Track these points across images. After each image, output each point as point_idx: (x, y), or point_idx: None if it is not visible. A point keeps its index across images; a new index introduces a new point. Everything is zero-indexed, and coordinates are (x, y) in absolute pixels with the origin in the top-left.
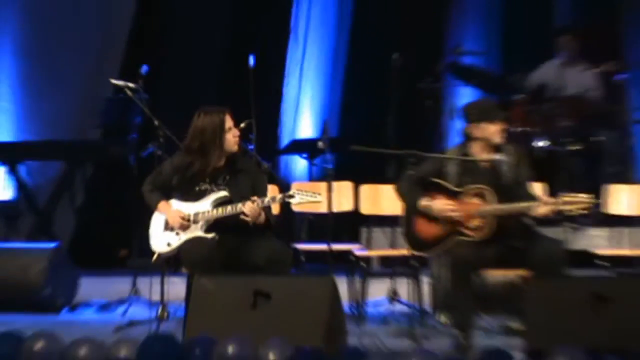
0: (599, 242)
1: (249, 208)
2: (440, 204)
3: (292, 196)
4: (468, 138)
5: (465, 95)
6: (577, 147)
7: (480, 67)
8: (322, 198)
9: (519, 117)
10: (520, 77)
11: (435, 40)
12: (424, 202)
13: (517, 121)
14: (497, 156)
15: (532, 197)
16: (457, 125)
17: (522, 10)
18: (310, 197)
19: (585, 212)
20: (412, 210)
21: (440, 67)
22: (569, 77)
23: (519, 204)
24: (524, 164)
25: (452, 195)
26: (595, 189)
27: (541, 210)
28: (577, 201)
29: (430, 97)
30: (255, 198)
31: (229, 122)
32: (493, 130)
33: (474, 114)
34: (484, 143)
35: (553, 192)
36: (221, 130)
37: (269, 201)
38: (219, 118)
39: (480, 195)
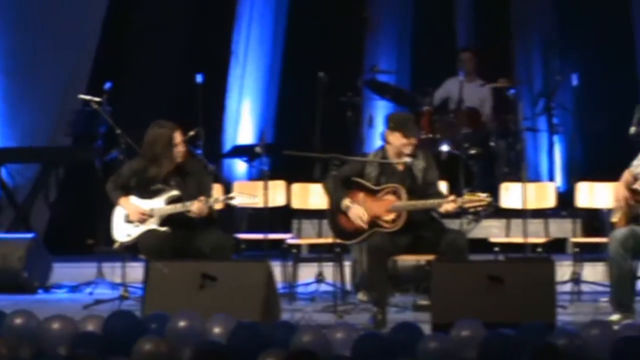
0: (494, 231)
1: (196, 207)
2: (355, 213)
3: (233, 198)
4: (386, 142)
5: (380, 107)
6: (476, 152)
7: (393, 83)
8: (259, 199)
9: (426, 126)
10: (427, 93)
11: (355, 59)
12: (346, 203)
13: (425, 129)
14: (409, 159)
15: (439, 195)
16: (374, 133)
17: (429, 33)
18: (248, 199)
19: (484, 209)
20: (336, 206)
21: (359, 83)
22: (468, 91)
23: (428, 201)
24: (432, 166)
25: (370, 192)
26: (491, 187)
27: (447, 206)
28: (477, 199)
29: (350, 109)
30: (202, 198)
31: (177, 137)
32: (404, 142)
33: (393, 122)
34: (396, 149)
35: (456, 190)
36: (170, 144)
37: (213, 201)
38: (169, 134)
39: (395, 193)
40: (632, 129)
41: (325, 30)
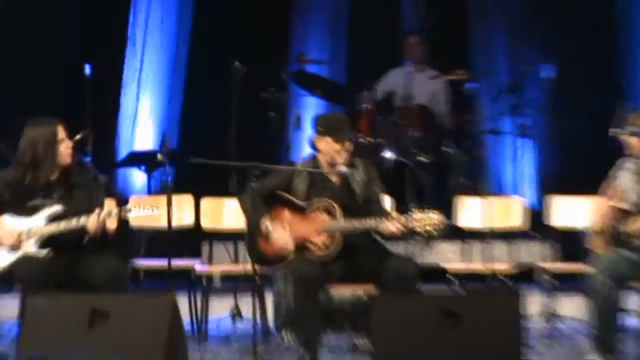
0: (449, 257)
1: (92, 223)
2: (279, 235)
3: (129, 210)
4: (316, 150)
5: (310, 105)
6: (426, 158)
7: (325, 76)
8: (161, 212)
9: (366, 128)
10: (366, 87)
11: (278, 48)
12: (267, 223)
13: (365, 132)
14: (346, 170)
15: (382, 213)
16: (303, 136)
17: (368, 17)
18: (148, 211)
19: (436, 230)
20: (255, 227)
21: (284, 75)
22: (417, 84)
23: (368, 221)
24: (373, 177)
25: (298, 210)
26: (446, 202)
27: (391, 227)
28: (428, 218)
29: (274, 108)
30: (97, 211)
31: (61, 133)
32: (336, 149)
33: (321, 125)
34: (328, 157)
35: (403, 207)
36: (53, 141)
37: (106, 215)
38: (51, 129)
39: (328, 210)
40: (613, 131)
41: (242, 11)
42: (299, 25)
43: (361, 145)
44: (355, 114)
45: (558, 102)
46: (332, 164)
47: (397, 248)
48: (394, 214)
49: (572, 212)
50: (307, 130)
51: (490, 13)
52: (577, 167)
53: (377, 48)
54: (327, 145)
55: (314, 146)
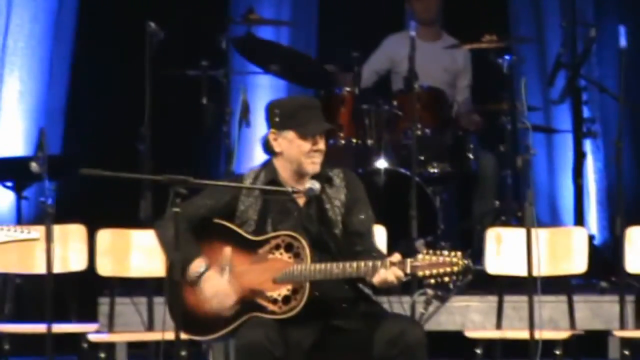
0: (474, 319)
1: None
2: (213, 285)
3: None
4: (272, 155)
5: (263, 87)
6: (440, 169)
7: (285, 44)
8: (38, 234)
9: (347, 123)
10: (348, 61)
11: (214, 3)
12: (197, 267)
13: (346, 129)
14: (317, 186)
15: (373, 253)
16: (252, 135)
17: None
18: (20, 234)
19: (455, 278)
20: (180, 272)
21: (223, 42)
22: (426, 57)
23: (351, 265)
24: (359, 198)
25: (247, 247)
26: (469, 235)
27: (386, 275)
28: (442, 261)
29: (208, 92)
30: None
31: None
32: (304, 149)
33: (279, 114)
34: (291, 164)
35: (404, 243)
36: None
37: None
38: None
39: (290, 248)
40: None
41: None
42: None
43: (340, 148)
44: (330, 101)
45: (638, 83)
46: (299, 175)
47: (396, 306)
48: (394, 257)
49: None
50: (260, 125)
51: None
52: None
53: (365, 2)
54: (289, 144)
55: (268, 148)
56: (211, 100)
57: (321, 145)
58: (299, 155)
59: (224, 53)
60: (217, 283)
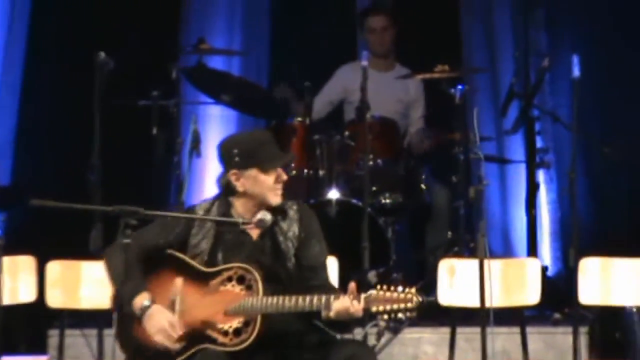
0: (427, 350)
1: None
2: (158, 319)
3: None
4: (229, 190)
5: (214, 118)
6: (393, 200)
7: (237, 74)
8: None
9: (300, 154)
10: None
11: (166, 29)
12: (143, 301)
13: (298, 160)
14: (267, 217)
15: (324, 286)
16: (205, 165)
17: None
18: None
19: (409, 312)
20: (128, 306)
21: (173, 72)
22: (379, 87)
23: (304, 298)
24: (312, 230)
25: (198, 279)
26: (421, 267)
27: (339, 307)
28: (395, 296)
29: (158, 122)
30: None
31: None
32: (269, 184)
33: (237, 154)
34: (252, 201)
35: (355, 272)
36: None
37: None
38: None
39: (242, 279)
40: None
41: None
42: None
43: (292, 179)
44: (282, 131)
45: (594, 112)
46: (258, 208)
47: (348, 337)
48: (350, 287)
49: (614, 282)
50: (211, 156)
51: None
52: (622, 215)
53: (317, 33)
54: (253, 182)
55: (229, 189)
56: (162, 130)
57: (284, 176)
58: (265, 190)
59: (174, 83)
60: (161, 318)
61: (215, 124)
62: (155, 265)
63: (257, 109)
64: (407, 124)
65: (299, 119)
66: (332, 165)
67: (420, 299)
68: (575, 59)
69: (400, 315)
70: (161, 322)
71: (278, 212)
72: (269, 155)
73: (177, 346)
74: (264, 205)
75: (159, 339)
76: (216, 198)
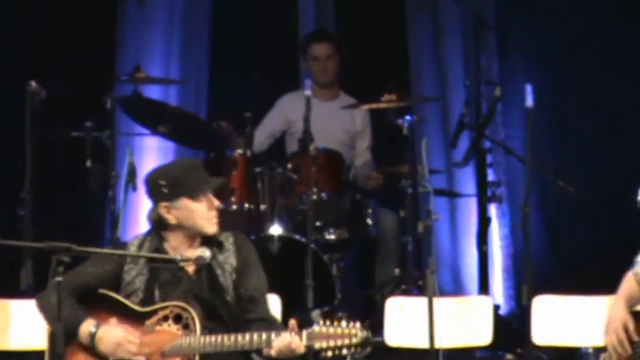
0: None
1: None
2: (112, 341)
3: None
4: (161, 225)
5: (150, 150)
6: (338, 236)
7: (174, 104)
8: None
9: (240, 187)
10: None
11: (99, 58)
12: (86, 332)
13: (238, 193)
14: (207, 254)
15: (265, 319)
16: (141, 200)
17: (243, 12)
18: None
19: (354, 349)
20: (65, 342)
21: (107, 103)
22: (323, 117)
23: (244, 336)
24: (252, 264)
25: (133, 318)
26: (368, 305)
27: (280, 345)
28: (339, 333)
29: (92, 154)
30: None
31: None
32: (200, 213)
33: (163, 185)
34: (186, 232)
35: (298, 310)
36: None
37: None
38: None
39: (179, 318)
40: None
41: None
42: (130, 24)
43: (233, 213)
44: (222, 164)
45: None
46: (192, 239)
47: None
48: (290, 324)
49: (569, 321)
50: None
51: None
52: (579, 251)
53: (259, 60)
54: (185, 212)
55: (160, 223)
56: (96, 162)
57: (216, 202)
58: (198, 220)
59: (109, 113)
60: (113, 334)
61: (152, 156)
62: (88, 305)
63: (195, 140)
64: (353, 155)
65: (240, 151)
66: (274, 200)
67: (365, 333)
68: (528, 88)
69: (344, 351)
70: (115, 337)
71: (214, 244)
72: (196, 181)
73: (145, 350)
74: (199, 235)
75: (122, 353)
76: (148, 233)
